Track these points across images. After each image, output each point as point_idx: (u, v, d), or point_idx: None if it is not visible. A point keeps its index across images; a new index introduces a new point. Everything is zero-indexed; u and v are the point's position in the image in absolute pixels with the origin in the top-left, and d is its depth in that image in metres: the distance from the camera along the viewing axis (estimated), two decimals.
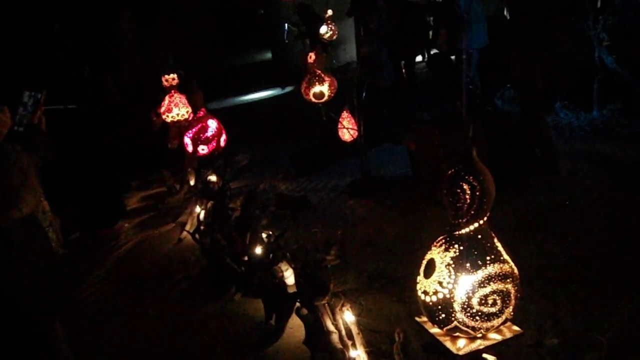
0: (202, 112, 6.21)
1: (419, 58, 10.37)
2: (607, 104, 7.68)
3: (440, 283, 2.36)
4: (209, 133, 6.09)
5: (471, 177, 2.28)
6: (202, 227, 5.85)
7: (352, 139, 6.24)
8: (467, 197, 2.28)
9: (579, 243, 4.64)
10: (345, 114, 6.21)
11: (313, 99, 6.20)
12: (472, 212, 2.29)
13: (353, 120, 6.21)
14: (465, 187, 2.28)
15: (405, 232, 5.31)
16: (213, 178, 6.31)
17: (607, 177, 6.00)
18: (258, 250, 4.71)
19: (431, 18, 9.75)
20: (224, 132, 6.27)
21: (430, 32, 10.37)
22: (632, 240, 4.57)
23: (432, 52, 8.79)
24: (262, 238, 4.94)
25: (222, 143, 6.27)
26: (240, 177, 7.81)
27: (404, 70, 8.86)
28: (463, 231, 2.33)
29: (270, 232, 5.06)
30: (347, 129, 6.19)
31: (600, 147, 6.91)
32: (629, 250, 4.43)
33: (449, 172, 2.34)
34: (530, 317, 3.70)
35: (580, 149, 6.95)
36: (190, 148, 6.17)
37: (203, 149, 6.16)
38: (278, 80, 13.28)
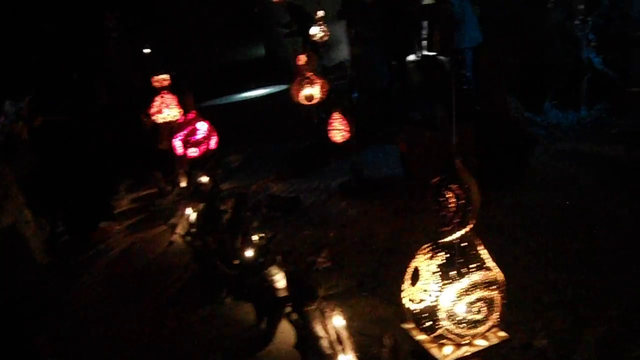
0: (192, 114, 6.21)
1: (412, 57, 10.37)
2: (595, 103, 7.75)
3: (425, 291, 2.36)
4: (199, 136, 6.08)
5: (455, 186, 2.28)
6: (193, 230, 5.85)
7: (343, 140, 6.23)
8: (452, 206, 2.28)
9: (568, 243, 4.68)
10: (336, 115, 6.20)
11: (303, 101, 6.19)
12: (457, 221, 2.29)
13: (345, 121, 6.21)
14: (450, 195, 2.28)
15: (397, 233, 5.32)
16: (204, 180, 6.29)
17: (597, 176, 6.04)
18: (249, 253, 4.72)
19: (425, 21, 9.74)
20: (214, 134, 6.26)
21: (423, 33, 10.38)
22: (621, 240, 4.61)
23: (423, 53, 8.80)
24: (253, 241, 4.94)
25: (213, 145, 6.27)
26: (232, 178, 7.81)
27: (395, 71, 8.86)
28: (448, 239, 2.33)
29: (262, 235, 5.06)
30: (339, 130, 6.18)
31: (590, 147, 6.97)
32: (618, 250, 4.47)
33: (433, 180, 2.34)
34: (520, 318, 3.73)
35: (570, 148, 7.01)
36: (179, 151, 6.17)
37: (193, 152, 6.16)
38: (271, 79, 13.24)
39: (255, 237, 4.99)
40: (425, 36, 9.40)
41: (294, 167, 7.48)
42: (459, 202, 2.26)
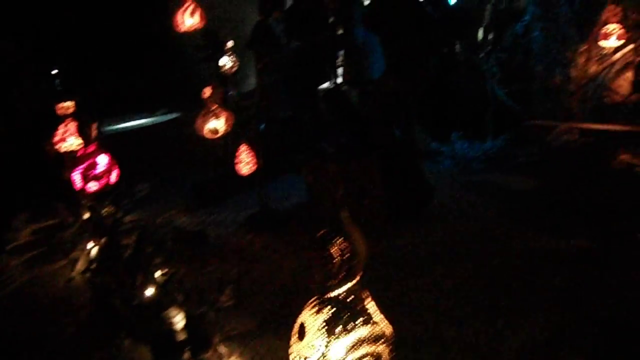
0: (92, 147, 5.99)
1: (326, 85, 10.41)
2: (500, 134, 7.98)
3: (312, 347, 2.31)
4: (99, 170, 5.88)
5: (340, 240, 2.25)
6: (93, 266, 5.62)
7: (250, 172, 6.17)
8: (337, 259, 2.24)
9: (471, 277, 4.75)
10: (243, 147, 6.13)
11: (209, 135, 6.09)
12: (343, 274, 2.25)
13: (251, 153, 6.14)
14: (334, 249, 2.25)
15: (303, 268, 5.27)
16: (107, 212, 6.07)
17: (500, 207, 6.22)
18: (149, 292, 4.55)
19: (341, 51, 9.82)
20: (115, 167, 6.06)
21: (339, 61, 10.46)
22: (520, 274, 4.72)
23: (331, 84, 8.87)
24: (154, 279, 4.78)
25: (114, 179, 6.07)
26: (139, 209, 7.58)
27: (306, 101, 8.87)
28: (334, 293, 2.30)
29: (165, 271, 4.90)
30: (246, 163, 6.11)
31: (494, 177, 7.18)
32: (519, 283, 4.57)
33: (318, 234, 2.31)
34: (421, 357, 3.74)
35: (476, 179, 7.20)
36: (78, 185, 5.94)
37: (93, 186, 5.94)
38: (183, 103, 12.99)
39: (157, 274, 4.83)
40: (340, 65, 9.51)
41: (201, 199, 7.35)
42: (344, 257, 2.24)
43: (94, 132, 6.48)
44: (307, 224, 6.15)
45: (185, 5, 6.09)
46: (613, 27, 6.63)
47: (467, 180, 7.18)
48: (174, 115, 11.36)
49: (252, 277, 5.25)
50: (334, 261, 2.24)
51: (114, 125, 11.02)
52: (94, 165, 5.82)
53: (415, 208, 6.03)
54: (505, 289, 4.50)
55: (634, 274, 4.56)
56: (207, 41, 8.97)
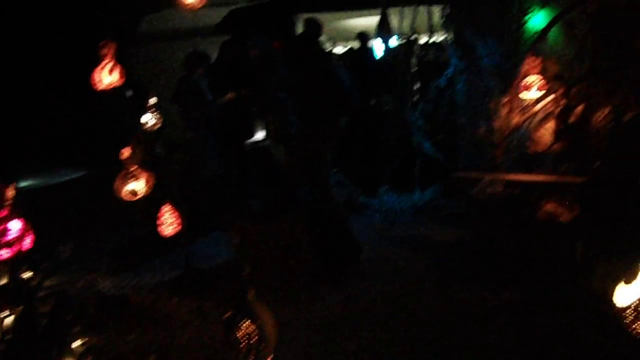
0: (4, 212, 5.71)
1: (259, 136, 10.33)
2: (428, 186, 8.06)
3: None
4: (11, 236, 5.60)
5: (247, 322, 2.14)
6: (7, 338, 5.31)
7: (174, 233, 5.98)
8: (244, 344, 2.14)
9: (398, 338, 4.68)
10: (166, 207, 5.95)
11: (128, 197, 5.87)
12: (252, 357, 2.15)
13: (175, 213, 5.97)
14: (241, 333, 2.14)
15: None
16: (25, 277, 5.76)
17: (428, 261, 6.24)
18: None
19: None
20: (29, 233, 5.78)
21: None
22: (449, 329, 4.69)
23: (255, 140, 8.83)
24: (72, 350, 4.53)
25: (28, 245, 5.78)
26: (61, 271, 7.25)
27: (234, 157, 8.78)
28: None
29: (84, 340, 4.66)
30: (169, 224, 5.92)
31: (423, 230, 7.22)
32: (445, 338, 4.54)
33: (225, 316, 2.20)
34: None
35: (404, 233, 7.22)
36: None
37: (5, 254, 5.64)
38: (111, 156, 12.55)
39: (76, 344, 4.59)
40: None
41: (124, 261, 7.09)
42: (251, 341, 2.14)
43: (10, 194, 6.20)
44: (234, 286, 5.99)
45: (104, 63, 5.94)
46: (533, 79, 6.77)
47: (395, 234, 7.19)
48: (94, 171, 10.99)
49: (177, 344, 5.03)
50: (241, 346, 2.14)
51: (32, 182, 10.63)
52: (5, 231, 5.54)
53: (342, 266, 5.96)
54: (434, 348, 4.45)
55: (562, 325, 4.60)
56: (136, 92, 8.85)
